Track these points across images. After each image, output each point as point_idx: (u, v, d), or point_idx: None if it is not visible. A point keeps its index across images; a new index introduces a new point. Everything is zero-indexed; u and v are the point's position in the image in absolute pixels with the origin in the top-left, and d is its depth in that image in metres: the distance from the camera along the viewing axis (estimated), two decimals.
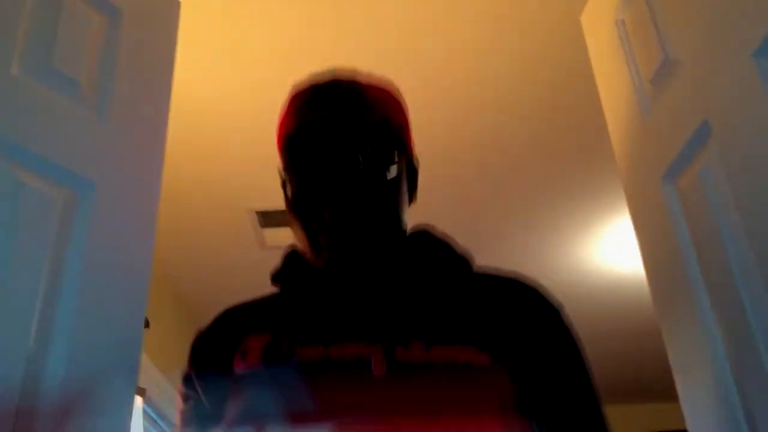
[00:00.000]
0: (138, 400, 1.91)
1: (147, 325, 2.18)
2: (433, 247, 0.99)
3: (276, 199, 2.88)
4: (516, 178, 2.63)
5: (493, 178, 2.63)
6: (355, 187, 0.90)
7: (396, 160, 0.94)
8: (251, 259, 2.88)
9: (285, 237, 2.88)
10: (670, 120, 1.26)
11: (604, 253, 3.07)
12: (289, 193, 0.97)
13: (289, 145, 0.95)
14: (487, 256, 3.46)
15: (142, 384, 2.01)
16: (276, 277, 1.04)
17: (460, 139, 2.45)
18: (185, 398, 1.03)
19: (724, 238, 1.10)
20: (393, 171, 0.93)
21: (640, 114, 1.36)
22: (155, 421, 2.79)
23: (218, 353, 0.98)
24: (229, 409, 0.92)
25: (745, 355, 1.07)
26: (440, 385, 0.82)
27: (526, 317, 0.92)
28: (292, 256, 1.05)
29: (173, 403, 3.24)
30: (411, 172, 1.00)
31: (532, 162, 2.56)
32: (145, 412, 2.49)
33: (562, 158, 2.56)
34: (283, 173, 0.99)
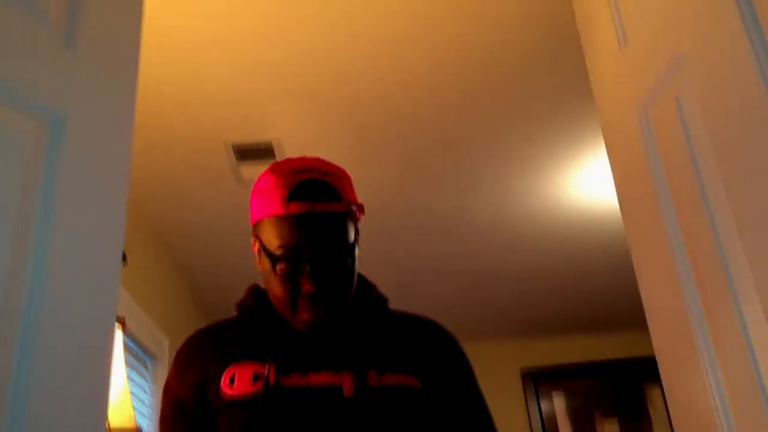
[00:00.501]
0: (118, 331, 1.92)
1: (124, 259, 2.19)
2: (366, 293, 1.28)
3: (252, 133, 2.85)
4: (493, 114, 2.62)
5: (471, 117, 2.62)
6: (334, 267, 1.15)
7: (354, 237, 1.19)
8: (227, 194, 2.87)
9: (261, 171, 2.86)
10: (646, 50, 1.27)
11: (581, 187, 3.10)
12: (266, 262, 1.19)
13: (277, 223, 1.16)
14: (467, 197, 3.48)
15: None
16: (242, 308, 1.30)
17: (440, 79, 2.43)
18: (173, 417, 1.23)
19: (695, 164, 1.12)
20: (353, 240, 1.19)
21: (617, 45, 1.37)
22: (134, 351, 2.82)
23: (203, 371, 1.20)
24: (222, 427, 1.15)
25: (712, 279, 1.10)
26: (391, 402, 1.13)
27: (438, 351, 1.25)
28: (255, 292, 1.30)
29: (152, 335, 3.26)
30: (358, 237, 1.23)
31: (510, 98, 2.55)
32: (124, 343, 2.52)
33: (539, 94, 2.55)
34: (261, 244, 1.20)
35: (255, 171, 2.75)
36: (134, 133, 1.18)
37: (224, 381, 1.16)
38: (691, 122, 1.14)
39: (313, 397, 1.12)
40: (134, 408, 2.08)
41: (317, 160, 1.22)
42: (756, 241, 0.97)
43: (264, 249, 1.19)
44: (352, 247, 1.18)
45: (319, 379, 1.13)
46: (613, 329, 4.44)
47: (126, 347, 2.64)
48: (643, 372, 4.16)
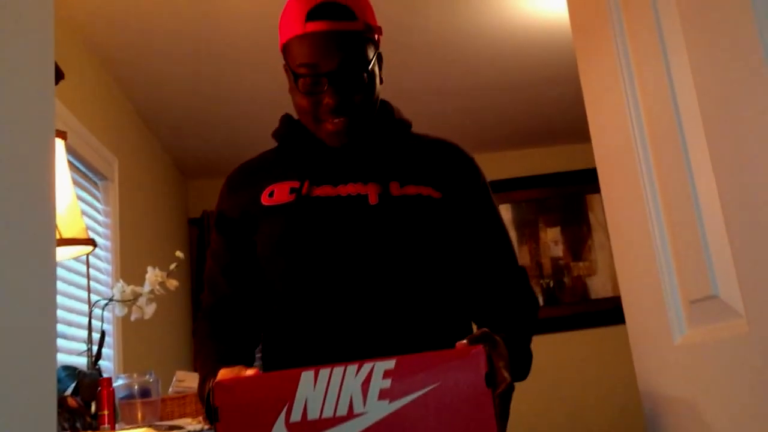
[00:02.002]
0: (60, 144, 1.89)
1: (61, 76, 2.11)
2: (390, 116, 1.39)
3: None
4: None
5: None
6: (351, 81, 1.25)
7: (373, 55, 1.29)
8: (166, 4, 2.73)
9: None
10: None
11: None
12: (291, 80, 1.29)
13: (297, 43, 1.25)
14: (415, 12, 3.35)
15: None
16: (278, 135, 1.41)
17: None
18: (216, 238, 1.39)
19: None
20: (373, 64, 1.28)
21: None
22: (82, 171, 2.80)
23: (246, 194, 1.34)
24: (261, 235, 1.31)
25: (658, 97, 1.12)
26: (411, 209, 1.27)
27: (456, 166, 1.36)
28: (288, 119, 1.41)
29: (100, 154, 3.23)
30: (380, 60, 1.34)
31: None
32: (71, 162, 2.49)
33: None
34: (287, 64, 1.30)
35: None
36: None
37: (264, 195, 1.32)
38: None
39: (341, 205, 1.26)
40: (87, 227, 2.09)
41: None
42: (701, 57, 0.98)
43: (289, 69, 1.29)
44: (369, 63, 1.27)
45: (347, 189, 1.28)
46: (557, 142, 4.55)
47: (73, 166, 2.61)
48: (585, 182, 4.33)
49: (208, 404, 1.03)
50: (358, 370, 0.89)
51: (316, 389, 0.90)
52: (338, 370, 0.89)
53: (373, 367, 0.89)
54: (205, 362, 1.27)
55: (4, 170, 0.85)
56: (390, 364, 0.89)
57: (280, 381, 0.94)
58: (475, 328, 1.31)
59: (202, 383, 1.23)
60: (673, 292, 1.10)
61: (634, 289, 1.24)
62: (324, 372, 0.90)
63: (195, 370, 1.32)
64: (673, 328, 1.10)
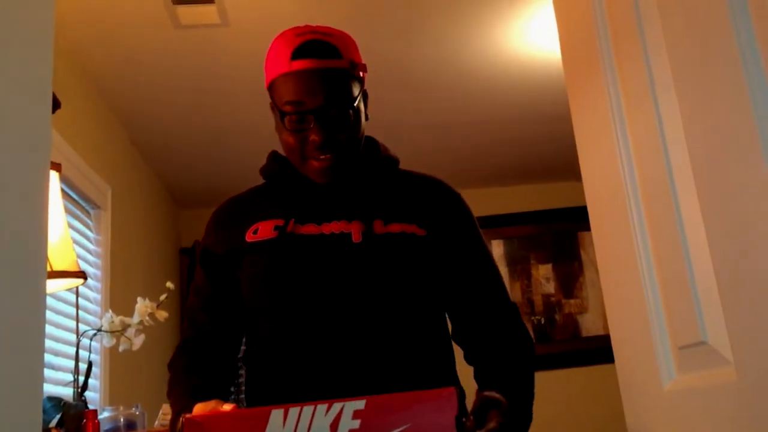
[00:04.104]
0: (54, 175, 1.89)
1: (58, 105, 2.12)
2: (376, 153, 1.40)
3: None
4: None
5: None
6: (337, 118, 1.26)
7: (358, 92, 1.30)
8: (164, 38, 2.75)
9: (199, 15, 2.74)
10: None
11: (524, 36, 3.06)
12: (277, 118, 1.30)
13: (283, 81, 1.27)
14: (409, 46, 3.41)
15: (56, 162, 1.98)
16: (265, 173, 1.42)
17: None
18: (199, 271, 1.39)
19: (638, 15, 1.12)
20: (358, 101, 1.29)
21: None
22: (75, 200, 2.79)
23: (232, 231, 1.35)
24: (245, 271, 1.31)
25: (647, 133, 1.13)
26: (395, 247, 1.27)
27: (441, 203, 1.37)
28: (275, 157, 1.42)
29: (94, 183, 3.25)
30: (365, 97, 1.35)
31: None
32: (64, 191, 2.49)
33: None
34: (273, 103, 1.31)
35: (192, 14, 2.63)
36: None
37: (249, 232, 1.32)
38: None
39: (324, 243, 1.27)
40: (78, 255, 2.09)
41: (321, 26, 1.33)
42: (691, 105, 0.99)
43: (275, 106, 1.30)
44: (354, 100, 1.28)
45: (331, 227, 1.28)
46: (550, 179, 4.57)
47: (66, 195, 2.61)
48: (577, 220, 4.35)
49: None
50: (327, 410, 0.89)
51: (285, 428, 0.89)
52: (308, 409, 0.89)
53: (342, 407, 0.89)
54: (179, 397, 1.26)
55: None
56: (360, 404, 0.89)
57: (249, 418, 0.94)
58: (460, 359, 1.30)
59: (175, 418, 1.22)
60: (662, 337, 1.10)
61: (624, 332, 1.24)
62: (294, 411, 0.90)
63: (168, 402, 1.31)
64: (662, 373, 1.10)
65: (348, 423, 0.88)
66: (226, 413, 1.01)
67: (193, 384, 1.27)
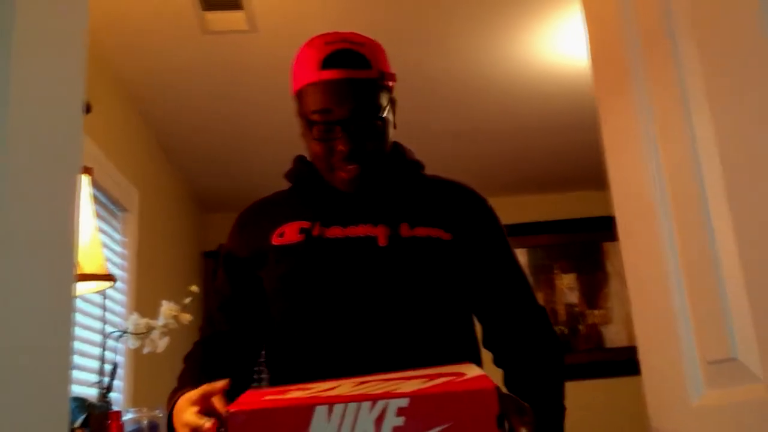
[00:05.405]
0: (85, 179, 1.92)
1: (89, 109, 2.14)
2: (401, 157, 1.40)
3: None
4: None
5: None
6: (365, 128, 1.26)
7: (386, 102, 1.30)
8: (193, 44, 2.78)
9: (228, 21, 2.76)
10: None
11: (554, 46, 3.05)
12: (305, 127, 1.30)
13: (312, 90, 1.26)
14: (435, 55, 3.42)
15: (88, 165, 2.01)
16: (290, 177, 1.42)
17: None
18: (221, 274, 1.40)
19: (667, 12, 1.11)
20: (386, 111, 1.29)
21: None
22: (103, 203, 2.83)
23: (257, 234, 1.35)
24: (269, 273, 1.31)
25: (678, 147, 1.12)
26: (420, 251, 1.27)
27: (467, 207, 1.38)
28: (301, 160, 1.42)
29: (121, 186, 3.28)
30: (393, 105, 1.35)
31: None
32: (92, 193, 2.52)
33: None
34: (301, 111, 1.31)
35: (220, 20, 2.65)
36: None
37: (275, 235, 1.32)
38: None
39: (350, 246, 1.27)
40: (106, 258, 2.11)
41: (351, 33, 1.31)
42: (725, 118, 0.98)
43: (303, 115, 1.30)
44: (382, 110, 1.28)
45: (357, 231, 1.28)
46: (575, 188, 4.54)
47: (95, 198, 2.64)
48: (602, 229, 4.31)
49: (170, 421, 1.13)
50: (372, 407, 0.89)
51: (330, 424, 0.89)
52: (353, 406, 0.90)
53: (387, 405, 0.89)
54: (183, 380, 1.27)
55: (30, 206, 0.87)
56: (404, 401, 0.89)
57: (294, 413, 0.94)
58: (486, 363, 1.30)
59: (171, 397, 1.22)
60: (690, 351, 1.08)
61: (651, 345, 1.22)
62: (339, 407, 0.90)
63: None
64: (690, 388, 1.08)
65: (392, 420, 0.88)
66: (270, 407, 1.00)
67: (202, 379, 1.28)
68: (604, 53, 1.36)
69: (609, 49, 1.33)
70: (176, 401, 1.16)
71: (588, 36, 1.42)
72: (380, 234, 1.27)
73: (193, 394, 1.10)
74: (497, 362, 1.33)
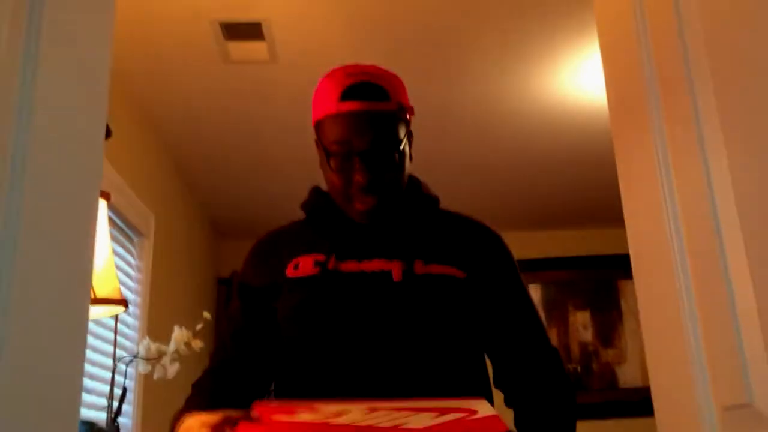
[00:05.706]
0: (103, 204, 1.94)
1: (109, 134, 2.17)
2: (417, 191, 1.41)
3: (240, 11, 2.77)
4: (486, 3, 2.55)
5: (463, 4, 2.55)
6: (383, 160, 1.27)
7: (404, 135, 1.31)
8: (214, 73, 2.82)
9: (249, 51, 2.80)
10: None
11: (573, 83, 3.06)
12: (323, 158, 1.32)
13: (331, 121, 1.28)
14: (455, 88, 3.45)
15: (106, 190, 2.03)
16: (306, 208, 1.42)
17: None
18: (235, 302, 1.39)
19: (686, 58, 1.11)
20: (404, 143, 1.31)
21: None
22: (120, 227, 2.85)
23: (272, 265, 1.35)
24: (283, 305, 1.31)
25: (694, 188, 1.11)
26: (434, 288, 1.27)
27: (482, 246, 1.38)
28: (316, 192, 1.43)
29: (138, 211, 3.30)
30: (410, 138, 1.36)
31: None
32: (109, 217, 2.54)
33: None
34: (320, 142, 1.33)
35: (242, 50, 2.69)
36: (118, 8, 1.14)
37: (289, 268, 1.33)
38: (687, 13, 1.11)
39: (365, 280, 1.28)
40: (120, 282, 2.12)
41: (371, 66, 1.33)
42: (740, 161, 0.98)
43: (321, 146, 1.32)
44: (400, 143, 1.29)
45: (372, 265, 1.28)
46: (590, 225, 4.52)
47: (111, 222, 2.66)
48: (617, 267, 4.28)
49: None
50: None
51: None
52: None
53: None
54: (191, 405, 1.26)
55: (48, 228, 0.87)
56: None
57: None
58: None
59: (177, 415, 1.21)
60: (706, 395, 1.07)
61: (665, 388, 1.20)
62: None
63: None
64: None
65: None
66: (283, 427, 0.99)
67: (210, 406, 1.27)
68: (621, 92, 1.36)
69: (626, 88, 1.33)
70: (184, 419, 1.15)
71: (605, 74, 1.42)
72: (395, 269, 1.27)
73: (211, 417, 1.09)
74: (508, 402, 1.32)
